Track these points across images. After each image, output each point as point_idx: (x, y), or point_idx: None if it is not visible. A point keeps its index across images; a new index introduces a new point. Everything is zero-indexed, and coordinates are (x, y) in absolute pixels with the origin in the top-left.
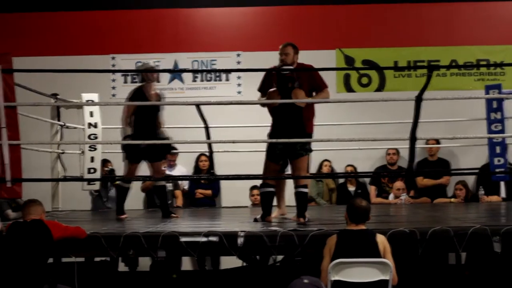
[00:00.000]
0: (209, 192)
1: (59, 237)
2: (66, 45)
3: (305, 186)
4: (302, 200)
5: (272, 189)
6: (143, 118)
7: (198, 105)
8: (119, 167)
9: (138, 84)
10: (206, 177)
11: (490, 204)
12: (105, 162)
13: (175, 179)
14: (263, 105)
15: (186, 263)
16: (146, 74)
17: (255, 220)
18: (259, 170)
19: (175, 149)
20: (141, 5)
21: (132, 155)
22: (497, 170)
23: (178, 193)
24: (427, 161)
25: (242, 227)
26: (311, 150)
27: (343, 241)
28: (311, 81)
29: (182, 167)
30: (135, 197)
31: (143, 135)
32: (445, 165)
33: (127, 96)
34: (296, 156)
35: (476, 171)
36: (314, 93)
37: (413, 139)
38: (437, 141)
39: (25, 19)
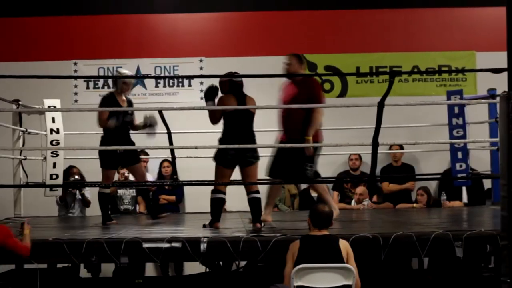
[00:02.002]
0: (172, 198)
1: (2, 242)
2: (28, 51)
3: (258, 192)
4: (256, 206)
5: (223, 196)
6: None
7: (160, 111)
8: (90, 173)
9: (109, 90)
10: (170, 183)
11: (452, 209)
12: (71, 168)
13: (137, 185)
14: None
15: (150, 269)
16: (122, 84)
17: (204, 226)
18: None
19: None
20: (103, 10)
21: (107, 161)
22: (459, 175)
23: (141, 199)
24: (392, 166)
25: (205, 233)
26: (259, 158)
27: (306, 246)
28: (310, 94)
29: (148, 173)
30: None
31: (115, 141)
32: (410, 170)
33: (100, 102)
34: (247, 163)
35: (438, 176)
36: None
37: (375, 144)
38: (401, 147)
39: None
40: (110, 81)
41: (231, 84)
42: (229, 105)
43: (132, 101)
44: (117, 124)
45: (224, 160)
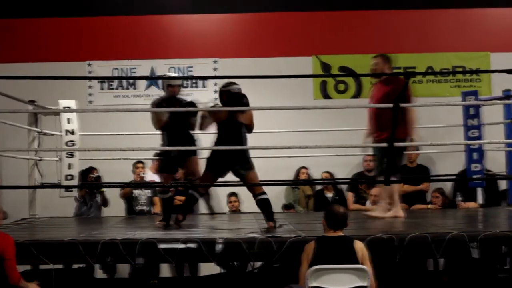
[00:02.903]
0: None
1: (1, 252)
2: (43, 52)
3: (263, 193)
4: (265, 206)
5: (198, 196)
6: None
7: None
8: (105, 174)
9: (163, 95)
10: (184, 184)
11: (467, 211)
12: (91, 169)
13: (152, 186)
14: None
15: (165, 270)
16: (167, 87)
17: (280, 226)
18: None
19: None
20: (117, 12)
21: (164, 165)
22: (474, 176)
23: (158, 199)
24: (407, 167)
25: (220, 234)
26: (251, 168)
27: (321, 247)
28: (399, 92)
29: None
30: (115, 204)
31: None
32: (425, 172)
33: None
34: (239, 175)
35: (454, 177)
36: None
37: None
38: (416, 148)
39: (1, 26)
40: (124, 82)
41: (228, 96)
42: (220, 116)
43: (193, 102)
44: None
45: (212, 166)
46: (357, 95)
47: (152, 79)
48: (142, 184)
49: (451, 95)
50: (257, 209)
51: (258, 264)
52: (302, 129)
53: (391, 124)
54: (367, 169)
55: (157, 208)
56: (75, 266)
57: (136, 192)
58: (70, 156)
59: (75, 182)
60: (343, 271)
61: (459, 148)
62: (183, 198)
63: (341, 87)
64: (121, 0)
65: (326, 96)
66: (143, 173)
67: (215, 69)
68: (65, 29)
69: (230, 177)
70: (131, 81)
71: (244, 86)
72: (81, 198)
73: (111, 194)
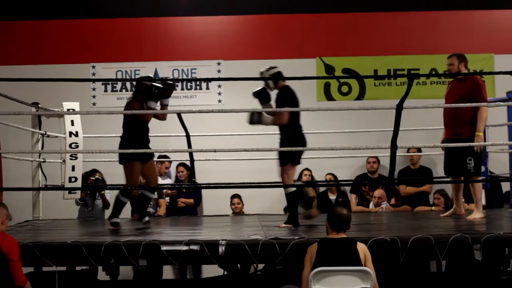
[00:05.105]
0: (191, 201)
1: (7, 253)
2: (47, 54)
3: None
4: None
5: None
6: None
7: (179, 114)
8: (109, 176)
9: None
10: (188, 186)
11: (470, 212)
12: (93, 171)
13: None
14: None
15: (168, 272)
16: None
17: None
18: (240, 179)
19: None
20: (121, 14)
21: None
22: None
23: (162, 202)
24: (409, 169)
25: (223, 236)
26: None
27: (324, 249)
28: (473, 92)
29: (169, 178)
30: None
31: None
32: (427, 173)
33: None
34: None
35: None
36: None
37: (393, 147)
38: (418, 150)
39: (4, 28)
40: (128, 84)
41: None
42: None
43: None
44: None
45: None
46: (360, 97)
47: (155, 81)
48: (144, 186)
49: None
50: (260, 211)
51: (261, 266)
52: (305, 131)
53: (466, 122)
54: (370, 171)
55: (162, 211)
56: (78, 268)
57: None
58: (74, 158)
59: (78, 184)
60: (346, 273)
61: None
62: (188, 200)
63: (345, 89)
64: (125, 2)
65: (329, 98)
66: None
67: (218, 71)
68: (69, 31)
69: (231, 178)
70: (134, 83)
71: (247, 88)
72: (82, 200)
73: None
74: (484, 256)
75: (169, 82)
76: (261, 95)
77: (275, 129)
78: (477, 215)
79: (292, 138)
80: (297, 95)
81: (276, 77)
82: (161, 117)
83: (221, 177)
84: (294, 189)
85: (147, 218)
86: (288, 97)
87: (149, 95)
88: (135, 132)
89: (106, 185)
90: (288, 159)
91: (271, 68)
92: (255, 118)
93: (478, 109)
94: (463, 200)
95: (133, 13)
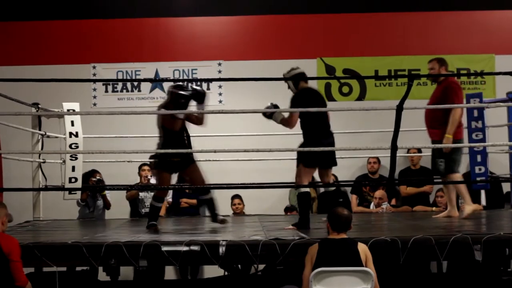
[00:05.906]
0: (194, 201)
1: (7, 254)
2: (47, 54)
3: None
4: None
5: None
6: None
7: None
8: (109, 176)
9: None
10: (189, 187)
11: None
12: (93, 172)
13: (153, 188)
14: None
15: (169, 272)
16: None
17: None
18: (240, 179)
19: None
20: (122, 14)
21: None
22: (478, 178)
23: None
24: (410, 170)
25: (223, 236)
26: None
27: (325, 250)
28: (445, 95)
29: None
30: (119, 206)
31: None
32: (428, 174)
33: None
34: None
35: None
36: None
37: (394, 148)
38: (419, 150)
39: (5, 28)
40: (128, 85)
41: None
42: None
43: None
44: None
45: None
46: (361, 97)
47: (156, 81)
48: (145, 186)
49: None
50: (260, 212)
51: (261, 266)
52: None
53: (435, 125)
54: (370, 171)
55: (161, 212)
56: (79, 268)
57: (142, 194)
58: (74, 158)
59: (78, 184)
60: (347, 274)
61: (463, 150)
62: (191, 201)
63: (345, 89)
64: (126, 2)
65: (330, 98)
66: (150, 176)
67: (219, 72)
68: (69, 31)
69: (231, 179)
70: (135, 83)
71: (248, 89)
72: (83, 201)
73: (116, 196)
74: (484, 256)
75: (199, 90)
76: (269, 115)
77: (275, 130)
78: (452, 213)
79: (309, 140)
80: (318, 97)
81: (287, 78)
82: (196, 121)
83: (221, 177)
84: (304, 190)
85: None
86: (299, 100)
87: (176, 105)
88: (166, 141)
89: (107, 185)
90: (299, 160)
91: (293, 69)
92: (268, 112)
93: (450, 112)
94: (462, 201)
95: (134, 13)
